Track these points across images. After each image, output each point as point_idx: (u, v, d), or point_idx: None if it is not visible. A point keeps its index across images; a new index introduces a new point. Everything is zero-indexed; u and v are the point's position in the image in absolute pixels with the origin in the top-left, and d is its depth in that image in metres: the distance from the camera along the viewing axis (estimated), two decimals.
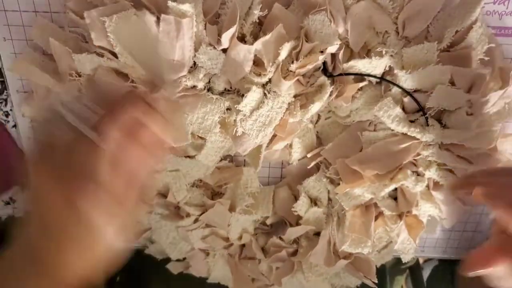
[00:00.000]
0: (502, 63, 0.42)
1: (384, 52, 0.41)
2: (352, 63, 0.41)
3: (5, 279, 0.30)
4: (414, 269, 0.84)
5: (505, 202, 0.34)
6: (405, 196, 0.48)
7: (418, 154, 0.45)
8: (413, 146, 0.44)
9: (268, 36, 0.39)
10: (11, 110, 0.48)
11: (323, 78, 0.42)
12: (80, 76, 0.42)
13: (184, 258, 0.59)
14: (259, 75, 0.42)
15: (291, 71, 0.41)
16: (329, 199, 0.52)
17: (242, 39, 0.41)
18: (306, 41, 0.40)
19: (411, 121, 0.44)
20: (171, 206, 0.52)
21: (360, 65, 0.41)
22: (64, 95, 0.32)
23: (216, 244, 0.55)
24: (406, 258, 0.53)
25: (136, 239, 0.57)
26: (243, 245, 0.57)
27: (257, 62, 0.41)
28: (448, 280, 0.60)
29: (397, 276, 0.62)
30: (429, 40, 0.41)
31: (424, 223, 0.49)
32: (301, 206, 0.50)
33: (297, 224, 0.52)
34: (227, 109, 0.45)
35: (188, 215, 0.52)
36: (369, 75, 0.42)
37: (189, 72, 0.42)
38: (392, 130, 0.45)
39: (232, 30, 0.39)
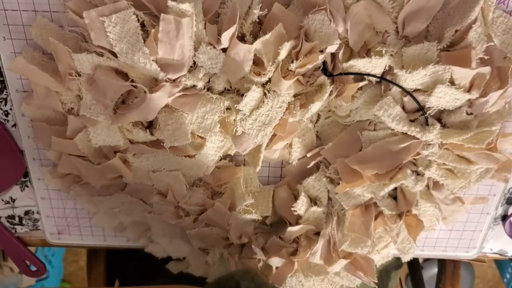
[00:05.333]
0: (502, 62, 0.42)
1: (384, 52, 0.41)
2: (352, 62, 0.41)
3: None
4: (414, 269, 0.85)
5: None
6: (405, 195, 0.48)
7: (418, 154, 0.45)
8: (413, 146, 0.44)
9: (268, 36, 0.39)
10: (10, 109, 0.48)
11: (323, 78, 0.42)
12: (79, 75, 0.42)
13: (184, 258, 0.59)
14: (259, 74, 0.42)
15: (291, 70, 0.41)
16: (329, 199, 0.52)
17: (242, 38, 0.41)
18: (306, 41, 0.40)
19: (411, 121, 0.44)
20: (171, 206, 0.52)
21: (360, 64, 0.41)
22: None
23: (216, 243, 0.55)
24: (405, 258, 0.53)
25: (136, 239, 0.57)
26: (243, 245, 0.57)
27: (257, 62, 0.41)
28: None
29: (393, 272, 0.62)
30: (429, 39, 0.41)
31: (424, 222, 0.49)
32: (301, 206, 0.50)
33: (297, 223, 0.52)
34: (227, 108, 0.45)
35: (188, 214, 0.52)
36: (369, 75, 0.42)
37: (189, 71, 0.42)
38: (392, 129, 0.45)
39: (232, 30, 0.39)
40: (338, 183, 0.48)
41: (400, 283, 1.00)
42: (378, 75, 0.42)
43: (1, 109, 0.49)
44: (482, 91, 0.42)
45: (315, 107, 0.43)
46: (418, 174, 0.47)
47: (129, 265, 0.76)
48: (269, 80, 0.42)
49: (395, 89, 0.43)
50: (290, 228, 0.52)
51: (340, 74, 0.42)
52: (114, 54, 0.40)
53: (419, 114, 0.44)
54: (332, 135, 0.48)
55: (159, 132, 0.45)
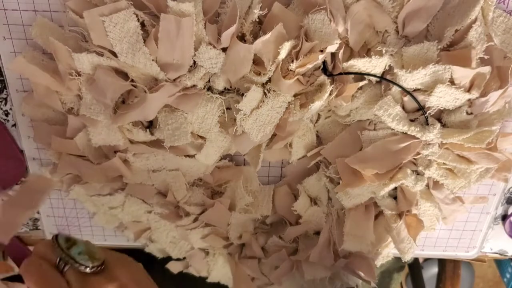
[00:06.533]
0: (502, 62, 0.42)
1: (384, 51, 0.41)
2: (352, 62, 0.41)
3: None
4: (414, 268, 0.85)
5: None
6: (405, 195, 0.48)
7: (418, 153, 0.45)
8: (413, 145, 0.44)
9: (268, 35, 0.39)
10: (10, 109, 0.48)
11: (323, 77, 0.42)
12: (79, 75, 0.42)
13: (184, 257, 0.59)
14: (259, 74, 0.42)
15: (291, 70, 0.41)
16: (329, 198, 0.52)
17: (242, 38, 0.41)
18: (306, 40, 0.40)
19: (411, 120, 0.44)
20: (171, 205, 0.53)
21: (360, 64, 0.41)
22: None
23: (216, 243, 0.55)
24: (405, 258, 0.53)
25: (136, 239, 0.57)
26: (243, 244, 0.57)
27: (257, 61, 0.41)
28: None
29: (395, 274, 0.62)
30: (429, 39, 0.41)
31: (424, 222, 0.49)
32: (301, 205, 0.50)
33: (297, 223, 0.52)
34: (227, 108, 0.45)
35: (187, 214, 0.52)
36: (369, 74, 0.42)
37: (189, 71, 0.42)
38: (392, 129, 0.45)
39: (232, 29, 0.39)
40: (338, 183, 0.48)
41: (400, 283, 1.00)
42: (378, 75, 0.42)
43: (1, 109, 0.49)
44: (482, 90, 0.42)
45: (315, 106, 0.43)
46: (418, 174, 0.47)
47: None
48: (269, 80, 0.42)
49: (395, 89, 0.43)
50: (290, 228, 0.52)
51: (340, 73, 0.42)
52: (114, 54, 0.40)
53: (419, 114, 0.44)
54: (332, 134, 0.48)
55: (159, 131, 0.45)
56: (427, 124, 0.43)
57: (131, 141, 0.46)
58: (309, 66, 0.40)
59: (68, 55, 0.40)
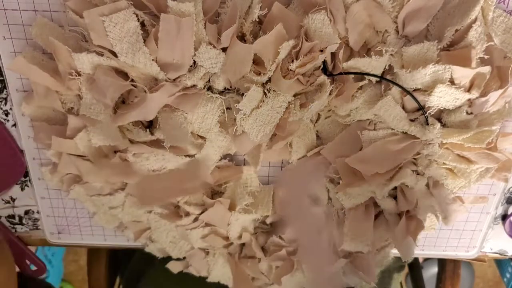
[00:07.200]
0: (502, 62, 0.42)
1: (384, 51, 0.41)
2: (352, 62, 0.41)
3: None
4: (414, 268, 0.85)
5: None
6: (405, 195, 0.48)
7: (418, 153, 0.45)
8: (413, 145, 0.44)
9: (268, 35, 0.39)
10: (10, 109, 0.48)
11: (323, 77, 0.42)
12: (79, 75, 0.42)
13: (184, 257, 0.59)
14: (259, 74, 0.42)
15: (291, 70, 0.41)
16: (329, 198, 0.52)
17: (242, 38, 0.41)
18: (306, 40, 0.40)
19: (411, 120, 0.44)
20: (171, 205, 0.52)
21: (360, 64, 0.41)
22: None
23: (216, 243, 0.55)
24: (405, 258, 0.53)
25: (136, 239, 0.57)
26: (243, 244, 0.57)
27: (257, 61, 0.41)
28: None
29: (395, 274, 0.62)
30: (429, 39, 0.41)
31: (424, 222, 0.49)
32: None
33: None
34: (227, 108, 0.45)
35: (187, 214, 0.52)
36: (369, 74, 0.42)
37: (189, 71, 0.42)
38: (392, 129, 0.45)
39: (232, 29, 0.39)
40: (338, 183, 0.48)
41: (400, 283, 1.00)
42: (378, 75, 0.42)
43: (1, 108, 0.49)
44: (482, 90, 0.42)
45: (315, 106, 0.43)
46: (418, 174, 0.47)
47: (130, 265, 0.76)
48: (269, 80, 0.42)
49: (395, 89, 0.43)
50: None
51: (340, 73, 0.42)
52: (114, 54, 0.40)
53: (419, 114, 0.44)
54: (332, 134, 0.48)
55: (159, 131, 0.45)
56: (427, 124, 0.43)
57: (131, 141, 0.46)
58: (309, 66, 0.40)
59: (68, 55, 0.40)
